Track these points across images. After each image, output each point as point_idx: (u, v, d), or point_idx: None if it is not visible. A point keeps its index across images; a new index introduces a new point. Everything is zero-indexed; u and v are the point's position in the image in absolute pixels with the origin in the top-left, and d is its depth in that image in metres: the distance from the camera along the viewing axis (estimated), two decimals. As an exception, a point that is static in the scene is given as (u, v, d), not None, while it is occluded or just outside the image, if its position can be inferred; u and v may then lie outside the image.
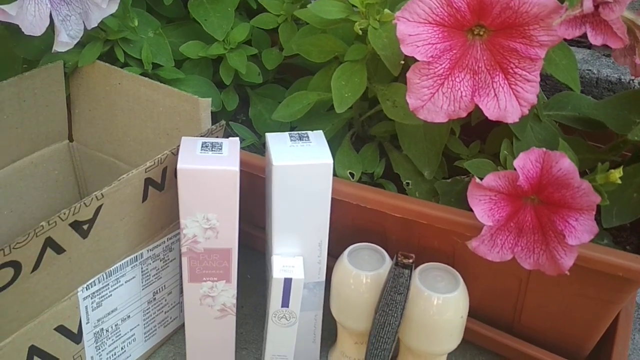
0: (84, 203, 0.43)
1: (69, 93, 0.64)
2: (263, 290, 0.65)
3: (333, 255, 0.54)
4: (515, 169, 0.44)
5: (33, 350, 0.46)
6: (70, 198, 0.69)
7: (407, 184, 0.57)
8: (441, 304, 0.50)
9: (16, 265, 0.40)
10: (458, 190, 0.55)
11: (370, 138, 0.62)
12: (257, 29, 0.68)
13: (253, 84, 0.68)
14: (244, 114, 0.70)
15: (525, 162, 0.42)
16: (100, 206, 0.45)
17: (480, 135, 0.59)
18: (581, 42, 0.72)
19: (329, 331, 0.59)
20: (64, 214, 0.42)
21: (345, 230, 0.57)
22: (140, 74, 0.61)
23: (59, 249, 0.43)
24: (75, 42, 0.56)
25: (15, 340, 0.45)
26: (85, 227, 0.44)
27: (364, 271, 0.52)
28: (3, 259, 0.39)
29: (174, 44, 0.65)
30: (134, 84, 0.59)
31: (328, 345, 0.60)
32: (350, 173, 0.56)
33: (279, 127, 0.64)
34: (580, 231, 0.42)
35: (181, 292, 0.60)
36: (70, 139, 0.66)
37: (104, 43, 0.61)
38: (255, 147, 0.65)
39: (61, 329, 0.48)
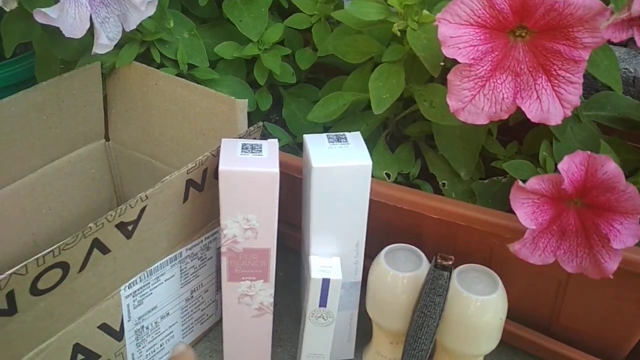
0: (129, 204, 0.44)
1: (105, 93, 0.65)
2: (296, 288, 0.66)
3: (368, 255, 0.54)
4: (556, 171, 0.43)
5: (77, 348, 0.47)
6: (107, 196, 0.70)
7: (443, 184, 0.57)
8: (480, 306, 0.50)
9: (64, 266, 0.41)
10: (495, 191, 0.55)
11: (404, 138, 0.62)
12: (289, 29, 0.68)
13: (286, 84, 0.68)
14: (277, 114, 0.70)
15: (570, 166, 0.42)
16: (144, 207, 0.45)
17: (517, 136, 0.59)
18: (617, 39, 0.71)
19: (363, 330, 0.59)
20: (111, 215, 0.42)
21: (381, 230, 0.57)
22: (176, 75, 0.61)
23: (104, 250, 0.44)
24: (114, 43, 0.57)
25: (60, 339, 0.46)
26: (129, 227, 0.45)
27: (401, 272, 0.52)
28: (52, 260, 0.40)
29: (208, 44, 0.66)
30: (170, 84, 0.60)
31: (362, 344, 0.60)
32: (386, 174, 0.56)
33: (313, 127, 0.64)
34: (625, 235, 0.42)
35: (217, 289, 0.60)
36: (107, 139, 0.67)
37: (141, 44, 0.62)
38: (290, 147, 0.65)
39: (104, 327, 0.49)
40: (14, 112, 0.56)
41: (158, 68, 0.62)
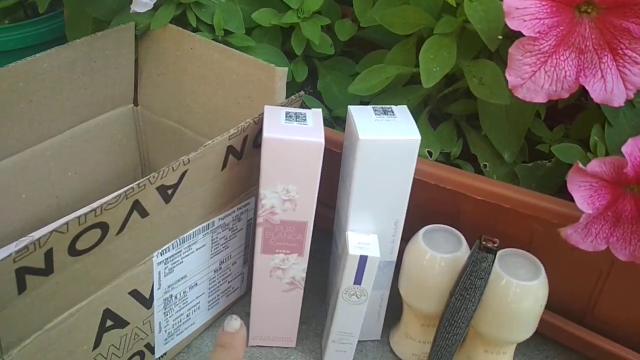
0: (172, 167, 0.42)
1: (137, 56, 0.63)
2: (324, 267, 0.64)
3: (403, 236, 0.53)
4: (616, 156, 0.42)
5: (107, 313, 0.46)
6: (132, 162, 0.68)
7: (485, 165, 0.56)
8: (520, 292, 0.49)
9: (104, 227, 0.40)
10: (539, 175, 0.53)
11: (444, 117, 0.60)
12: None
13: (322, 55, 0.66)
14: (311, 86, 0.68)
15: (634, 149, 0.40)
16: (185, 171, 0.44)
17: (561, 120, 0.57)
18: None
19: (391, 311, 0.58)
20: (153, 177, 0.41)
21: (418, 210, 0.56)
22: (211, 40, 0.59)
23: (143, 213, 0.42)
24: (154, 2, 0.55)
25: (91, 303, 0.44)
26: (169, 192, 0.44)
27: (440, 253, 0.51)
28: (93, 220, 0.38)
29: (244, 11, 0.64)
30: (207, 49, 0.58)
31: (389, 325, 0.59)
32: (428, 151, 0.55)
33: (349, 101, 0.62)
34: (684, 224, 0.40)
35: (244, 263, 0.59)
36: (136, 104, 0.65)
37: (177, 6, 0.60)
38: (326, 121, 0.63)
39: (135, 294, 0.48)
40: (45, 69, 0.55)
41: (193, 32, 0.60)
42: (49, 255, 0.37)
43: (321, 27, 0.65)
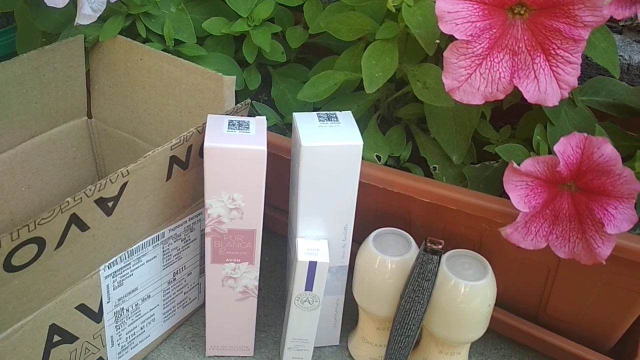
0: (110, 179, 0.42)
1: (88, 68, 0.63)
2: (282, 272, 0.64)
3: (355, 240, 0.53)
4: (550, 155, 0.42)
5: (54, 328, 0.46)
6: (88, 175, 0.68)
7: (434, 168, 0.56)
8: (468, 292, 0.49)
9: (40, 242, 0.39)
10: (487, 176, 0.54)
11: (395, 121, 0.61)
12: (280, 6, 0.66)
13: (276, 63, 0.66)
14: (266, 93, 0.68)
15: (566, 147, 0.41)
16: (126, 183, 0.44)
17: (509, 121, 0.58)
18: (612, 26, 0.70)
19: (349, 316, 0.58)
20: (90, 190, 0.41)
21: (369, 214, 0.56)
22: (162, 50, 0.59)
23: (83, 226, 0.42)
24: (98, 15, 0.55)
25: (36, 319, 0.44)
26: (110, 204, 0.43)
27: (390, 256, 0.51)
28: (27, 235, 0.38)
29: (195, 20, 0.64)
30: (156, 60, 0.58)
31: (348, 330, 0.59)
32: (377, 156, 0.55)
33: (302, 108, 0.62)
34: (620, 220, 0.41)
35: (200, 273, 0.59)
36: (89, 116, 0.65)
37: (126, 17, 0.60)
38: (278, 128, 0.63)
39: (82, 308, 0.47)
40: (-9, 85, 0.54)
41: (143, 43, 0.60)
42: (-18, 272, 0.37)
43: (275, 34, 0.65)
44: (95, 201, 0.42)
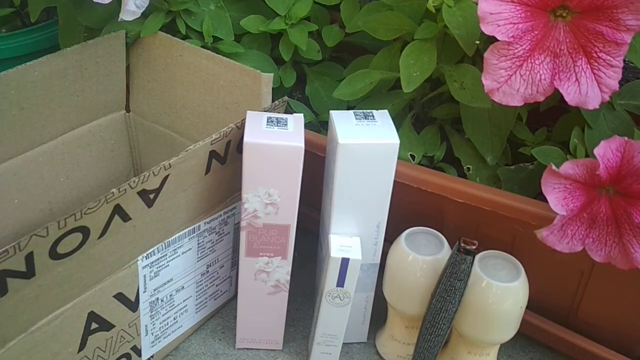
0: (152, 172, 0.43)
1: (128, 63, 0.64)
2: (311, 268, 0.65)
3: (387, 238, 0.53)
4: (588, 158, 0.42)
5: (92, 316, 0.47)
6: (124, 168, 0.69)
7: (468, 168, 0.56)
8: (500, 294, 0.49)
9: (85, 231, 0.41)
10: (521, 178, 0.54)
11: (430, 121, 0.61)
12: (316, 5, 0.67)
13: (311, 61, 0.67)
14: (300, 91, 0.69)
15: (606, 151, 0.40)
16: (167, 176, 0.45)
17: (544, 123, 0.58)
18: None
19: (378, 314, 0.59)
20: (134, 182, 0.42)
21: (401, 213, 0.56)
22: (200, 47, 0.60)
23: (125, 217, 0.43)
24: (142, 11, 0.56)
25: (75, 306, 0.45)
26: (151, 196, 0.44)
27: (422, 255, 0.51)
28: (73, 224, 0.39)
29: (233, 17, 0.65)
30: (195, 56, 0.59)
31: (376, 327, 0.60)
32: (411, 155, 0.55)
33: (336, 106, 0.63)
34: (659, 225, 0.41)
35: (232, 266, 0.60)
36: (128, 110, 0.66)
37: (167, 14, 0.61)
38: (313, 125, 0.64)
39: (120, 297, 0.48)
40: (36, 77, 0.56)
41: (183, 39, 0.61)
42: (29, 258, 0.38)
43: (310, 33, 0.65)
44: (138, 193, 0.43)
